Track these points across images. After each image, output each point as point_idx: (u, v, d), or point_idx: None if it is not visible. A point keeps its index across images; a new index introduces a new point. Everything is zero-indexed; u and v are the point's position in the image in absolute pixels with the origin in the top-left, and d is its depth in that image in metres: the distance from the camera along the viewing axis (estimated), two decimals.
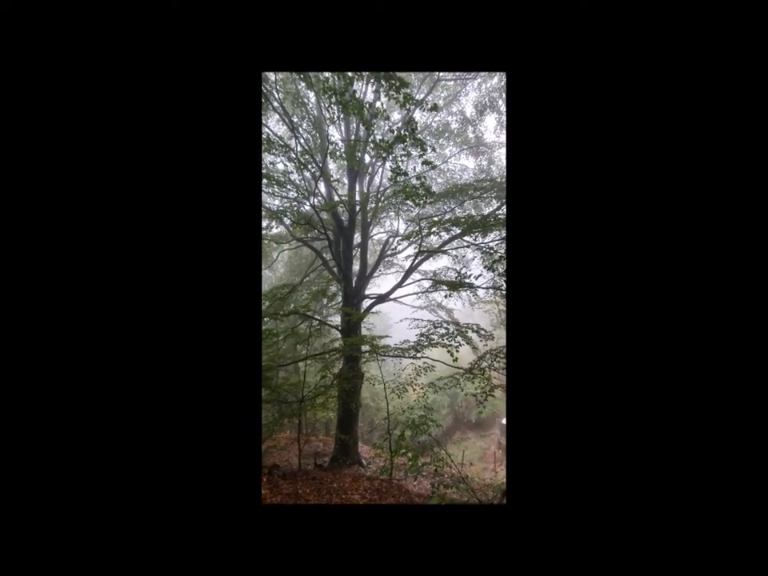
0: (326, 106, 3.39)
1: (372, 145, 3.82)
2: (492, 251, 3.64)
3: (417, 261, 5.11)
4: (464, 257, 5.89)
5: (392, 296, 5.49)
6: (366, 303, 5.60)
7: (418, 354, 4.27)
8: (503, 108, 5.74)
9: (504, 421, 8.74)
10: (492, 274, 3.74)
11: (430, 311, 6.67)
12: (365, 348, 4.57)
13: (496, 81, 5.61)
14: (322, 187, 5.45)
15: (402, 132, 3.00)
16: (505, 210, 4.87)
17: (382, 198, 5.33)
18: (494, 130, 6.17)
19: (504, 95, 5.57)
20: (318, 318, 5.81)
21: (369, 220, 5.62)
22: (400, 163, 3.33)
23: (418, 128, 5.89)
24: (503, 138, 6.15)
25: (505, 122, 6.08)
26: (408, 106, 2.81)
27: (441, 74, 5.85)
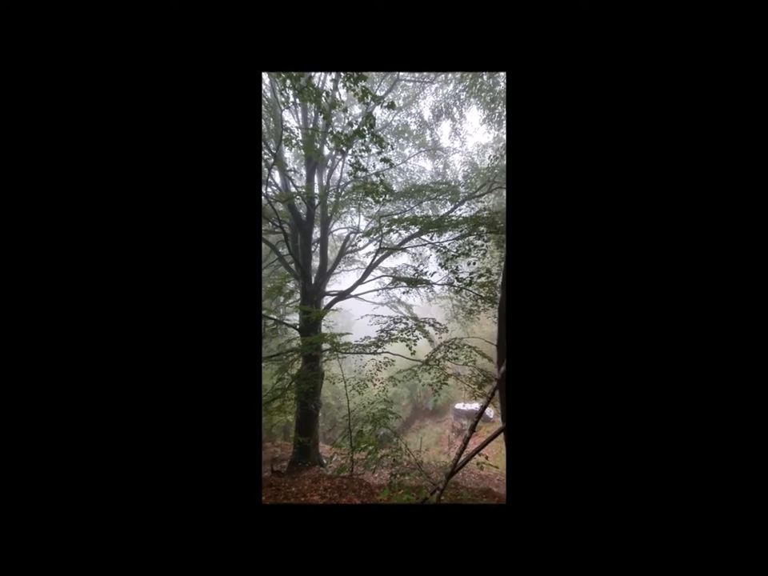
0: (280, 89, 3.15)
1: (330, 136, 3.69)
2: (446, 250, 3.88)
3: (377, 258, 5.17)
4: (421, 254, 6.17)
5: (353, 293, 5.45)
6: (327, 300, 5.46)
7: (379, 350, 4.35)
8: (457, 115, 6.13)
9: (457, 405, 9.52)
10: (446, 271, 4.01)
11: (391, 307, 6.85)
12: (325, 346, 4.46)
13: (451, 88, 5.94)
14: (276, 176, 5.07)
15: (361, 127, 2.98)
16: (458, 212, 5.26)
17: (342, 193, 5.21)
18: (448, 135, 6.52)
19: (458, 102, 5.94)
20: (274, 317, 5.44)
21: (329, 215, 5.44)
22: (360, 158, 3.30)
23: (378, 125, 5.90)
24: (457, 144, 6.59)
25: (458, 129, 6.47)
26: (367, 101, 2.79)
27: (401, 73, 5.95)
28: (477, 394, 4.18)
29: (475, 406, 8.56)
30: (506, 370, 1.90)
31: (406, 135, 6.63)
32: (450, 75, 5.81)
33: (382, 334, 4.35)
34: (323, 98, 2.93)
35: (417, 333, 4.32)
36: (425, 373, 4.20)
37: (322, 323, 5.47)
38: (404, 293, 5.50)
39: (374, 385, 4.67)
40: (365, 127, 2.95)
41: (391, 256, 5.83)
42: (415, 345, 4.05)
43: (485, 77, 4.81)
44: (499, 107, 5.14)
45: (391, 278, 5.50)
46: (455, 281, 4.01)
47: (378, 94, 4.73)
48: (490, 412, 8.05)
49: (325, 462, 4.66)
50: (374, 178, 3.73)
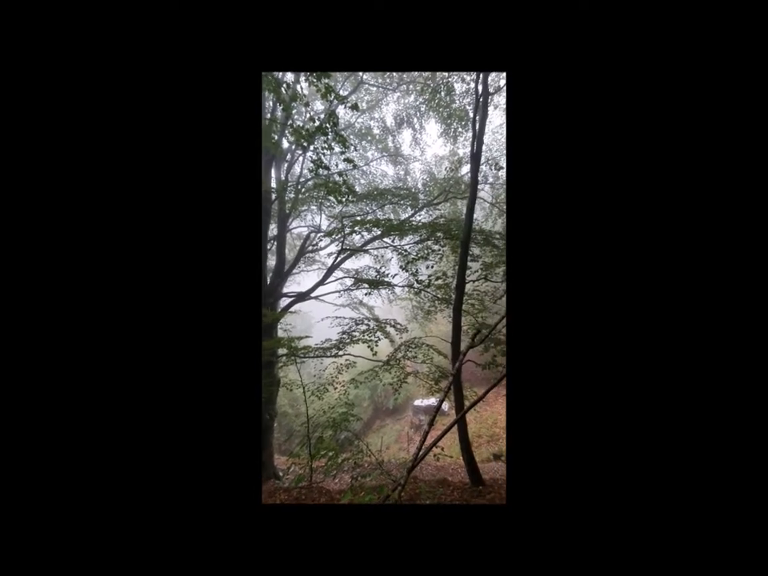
0: None
1: (290, 129, 3.51)
2: (407, 253, 4.04)
3: (339, 259, 5.08)
4: (383, 257, 6.29)
5: (313, 294, 5.25)
6: (284, 302, 5.13)
7: (340, 352, 4.27)
8: (417, 126, 6.45)
9: (415, 402, 9.92)
10: (407, 274, 4.18)
11: (352, 309, 6.79)
12: (282, 351, 4.18)
13: (413, 99, 6.23)
14: None
15: (324, 124, 2.90)
16: (418, 217, 5.52)
17: (303, 190, 4.99)
18: (409, 144, 6.82)
19: (419, 114, 6.26)
20: None
21: (287, 211, 5.14)
22: (322, 156, 3.21)
23: (341, 125, 5.83)
24: (417, 153, 6.93)
25: (419, 139, 6.80)
26: (330, 99, 2.74)
27: (365, 77, 5.99)
28: (434, 389, 4.44)
29: (432, 401, 9.04)
30: (460, 365, 2.07)
31: (369, 138, 6.70)
32: (411, 86, 6.09)
33: (344, 335, 4.28)
34: (283, 89, 2.77)
35: (378, 334, 4.38)
36: (386, 373, 4.29)
37: (279, 326, 5.12)
38: (366, 294, 5.52)
39: (335, 388, 4.57)
40: (327, 124, 2.89)
41: (353, 257, 5.81)
42: (377, 346, 4.10)
43: (442, 93, 5.17)
44: (455, 123, 5.58)
45: (353, 280, 5.47)
46: (415, 283, 4.20)
47: (341, 93, 4.67)
48: (444, 405, 8.61)
49: (281, 474, 4.35)
50: (337, 178, 3.67)
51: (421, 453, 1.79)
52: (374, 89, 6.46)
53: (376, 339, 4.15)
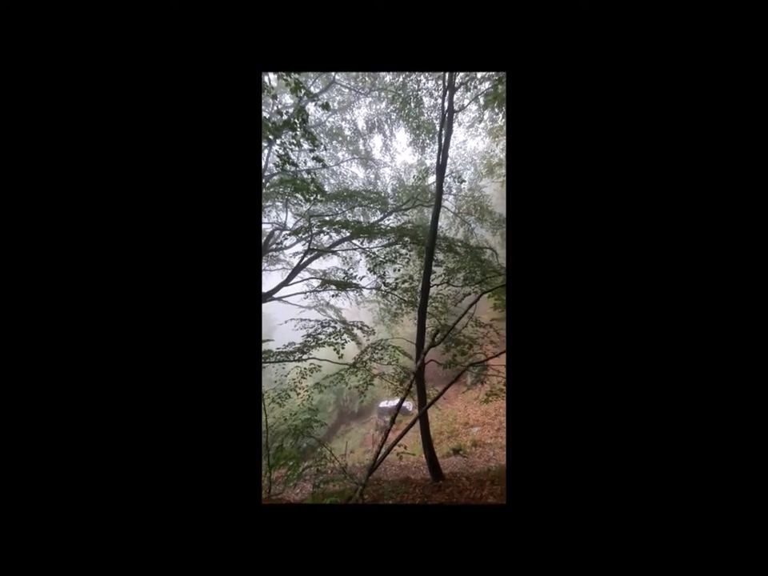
0: None
1: None
2: (375, 256, 4.09)
3: (306, 259, 4.91)
4: (351, 258, 6.26)
5: (276, 295, 4.97)
6: None
7: (304, 356, 4.11)
8: (388, 132, 6.61)
9: (381, 404, 9.97)
10: (375, 276, 4.22)
11: (319, 311, 6.59)
12: None
13: (384, 105, 6.37)
14: None
15: (293, 119, 2.81)
16: (387, 221, 5.63)
17: (267, 184, 4.72)
18: (380, 149, 6.96)
19: (390, 121, 6.42)
20: None
21: None
22: (289, 151, 3.09)
23: (311, 122, 5.68)
24: (387, 158, 7.08)
25: (389, 145, 6.96)
26: (300, 94, 2.66)
27: (337, 77, 5.95)
28: (399, 390, 4.53)
29: (398, 401, 9.17)
30: (421, 363, 2.16)
31: (340, 139, 6.65)
32: (382, 93, 6.22)
33: (309, 338, 4.13)
34: None
35: (345, 336, 4.33)
36: (352, 376, 4.24)
37: None
38: (333, 296, 5.42)
39: (298, 394, 4.36)
40: (296, 120, 2.80)
41: (321, 258, 5.65)
42: (343, 348, 4.05)
43: (412, 104, 5.39)
44: (423, 134, 5.86)
45: (320, 281, 5.33)
46: (383, 285, 4.26)
47: (311, 90, 4.57)
48: (409, 405, 8.82)
49: None
50: (306, 175, 3.56)
51: (383, 451, 1.82)
52: (347, 90, 6.45)
53: (343, 342, 4.09)
